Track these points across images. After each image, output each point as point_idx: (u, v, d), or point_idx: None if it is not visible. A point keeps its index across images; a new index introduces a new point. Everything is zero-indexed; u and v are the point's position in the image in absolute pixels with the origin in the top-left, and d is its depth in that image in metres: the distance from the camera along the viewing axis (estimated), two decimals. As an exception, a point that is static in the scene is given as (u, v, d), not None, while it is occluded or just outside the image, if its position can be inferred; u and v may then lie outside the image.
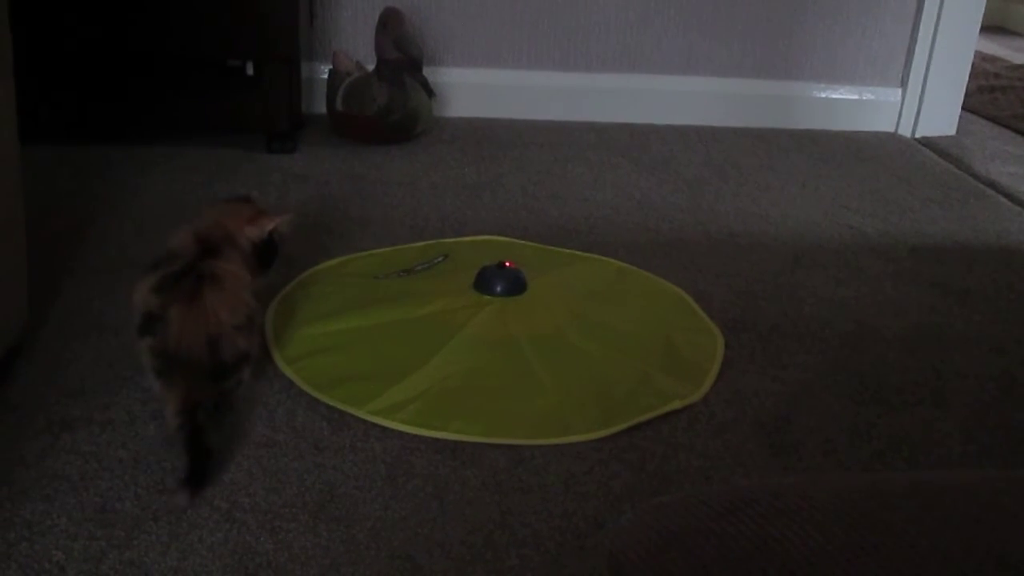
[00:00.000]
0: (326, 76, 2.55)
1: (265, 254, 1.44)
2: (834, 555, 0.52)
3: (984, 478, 0.57)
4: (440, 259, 1.81)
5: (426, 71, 2.55)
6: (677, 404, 1.41)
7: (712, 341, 1.61)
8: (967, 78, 2.92)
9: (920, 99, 2.91)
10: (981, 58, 3.94)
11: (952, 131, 2.95)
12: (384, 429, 1.32)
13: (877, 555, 0.51)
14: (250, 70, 2.36)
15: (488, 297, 1.64)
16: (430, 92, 2.54)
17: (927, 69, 2.88)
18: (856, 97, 2.91)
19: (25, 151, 1.42)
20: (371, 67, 2.50)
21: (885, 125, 2.94)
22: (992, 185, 2.53)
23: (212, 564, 1.08)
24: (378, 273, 1.75)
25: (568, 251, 1.92)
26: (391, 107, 2.43)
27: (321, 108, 2.58)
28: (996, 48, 4.38)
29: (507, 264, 1.67)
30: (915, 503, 0.53)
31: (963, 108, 2.98)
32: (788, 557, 0.53)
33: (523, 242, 1.95)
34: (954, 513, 0.52)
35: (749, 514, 0.56)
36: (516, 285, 1.66)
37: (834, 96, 2.91)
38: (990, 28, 4.75)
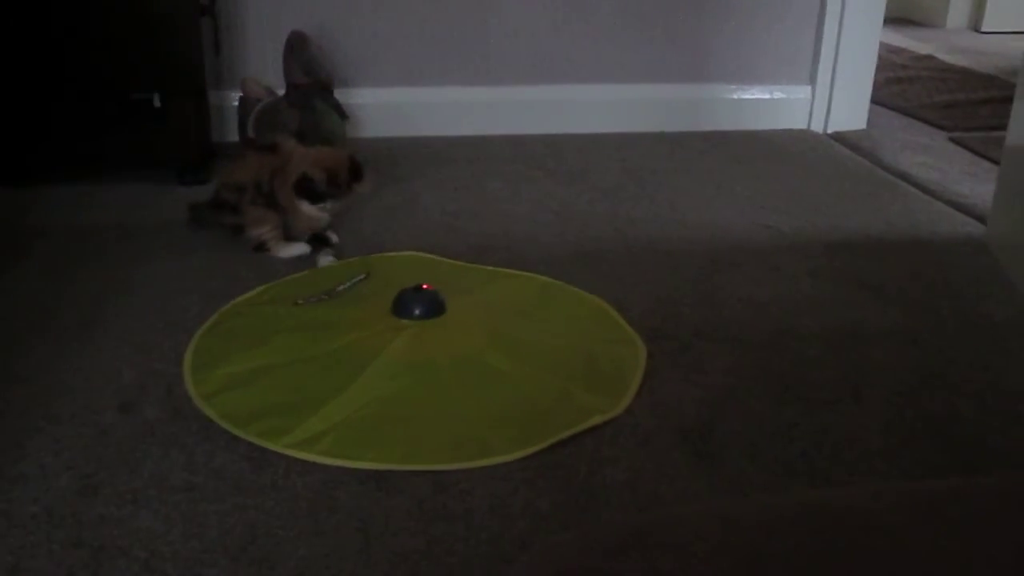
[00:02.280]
0: (236, 104, 2.52)
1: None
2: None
3: (876, 495, 0.57)
4: (361, 277, 1.80)
5: (337, 93, 2.53)
6: (598, 419, 1.41)
7: (634, 351, 1.61)
8: (874, 71, 2.97)
9: (829, 95, 2.96)
10: (887, 50, 4.01)
11: (862, 125, 3.00)
12: (305, 463, 1.30)
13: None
14: (157, 102, 2.32)
15: (406, 321, 1.62)
16: (343, 114, 2.52)
17: (834, 64, 2.93)
18: (767, 96, 2.95)
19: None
20: (281, 92, 2.48)
21: (797, 122, 2.98)
22: (903, 176, 2.57)
23: (132, 617, 1.06)
24: (299, 298, 1.73)
25: (488, 268, 1.91)
26: (303, 132, 2.41)
27: (234, 136, 2.55)
28: (901, 40, 4.46)
29: (424, 287, 1.66)
30: (805, 530, 0.53)
31: (872, 101, 3.03)
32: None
33: (443, 259, 1.94)
34: (843, 538, 0.52)
35: (640, 550, 0.56)
36: (434, 307, 1.65)
37: (745, 96, 2.94)
38: (895, 20, 4.84)
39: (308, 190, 1.92)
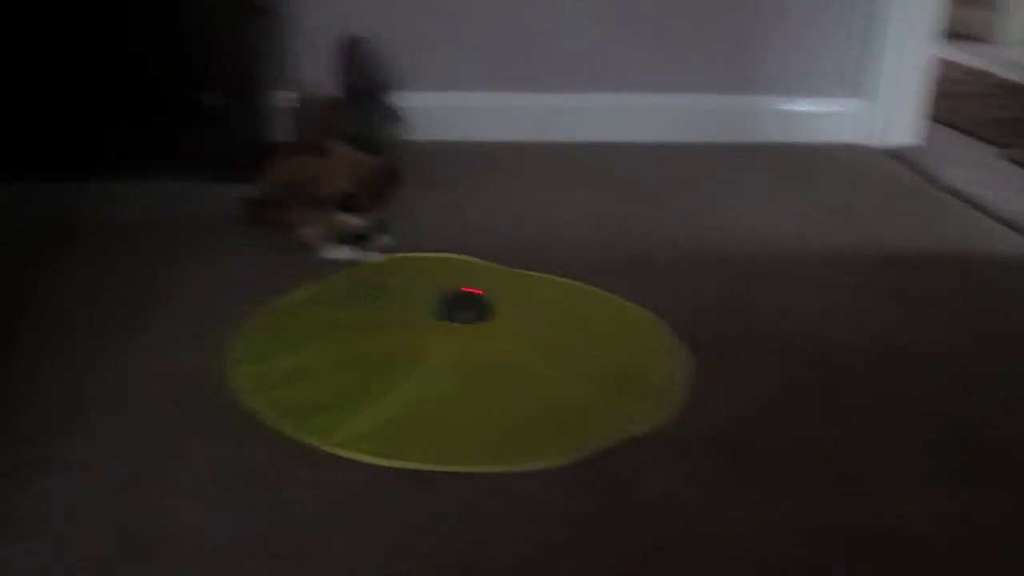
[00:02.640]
0: (291, 105, 2.55)
1: None
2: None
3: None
4: (403, 276, 1.84)
5: (391, 96, 2.55)
6: (640, 428, 1.42)
7: (676, 361, 1.61)
8: (928, 86, 2.94)
9: (882, 109, 2.94)
10: (942, 65, 3.96)
11: (914, 140, 2.97)
12: (347, 461, 1.32)
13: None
14: (218, 102, 2.35)
15: (451, 324, 1.64)
16: (396, 118, 2.55)
17: (888, 78, 2.91)
18: (818, 109, 2.93)
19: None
20: (337, 94, 2.50)
21: (847, 136, 2.96)
22: (955, 193, 2.54)
23: (175, 606, 1.08)
24: (344, 298, 1.76)
25: (531, 273, 1.92)
26: (357, 134, 2.43)
27: (287, 137, 2.57)
28: (956, 54, 4.42)
29: (471, 290, 1.68)
30: None
31: (925, 116, 3.00)
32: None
33: (487, 262, 1.95)
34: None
35: None
36: (479, 311, 1.66)
37: (796, 108, 2.93)
38: (949, 34, 4.78)
39: (352, 205, 1.96)
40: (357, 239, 1.99)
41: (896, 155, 2.86)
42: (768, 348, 1.69)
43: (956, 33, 4.96)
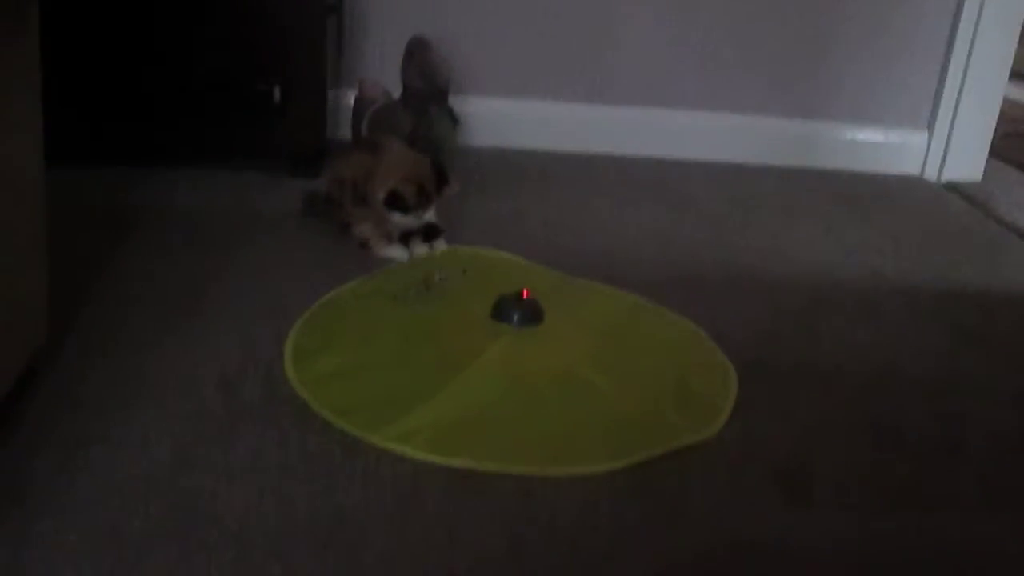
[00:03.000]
0: (352, 103, 2.57)
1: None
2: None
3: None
4: (458, 271, 1.84)
5: (452, 100, 2.56)
6: (689, 439, 1.41)
7: (727, 380, 1.60)
8: (995, 124, 2.91)
9: (946, 143, 2.91)
10: (1008, 104, 3.92)
11: (978, 177, 2.94)
12: (396, 457, 1.32)
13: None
14: (277, 96, 2.38)
15: (505, 326, 1.64)
16: (455, 121, 2.56)
17: (955, 113, 2.88)
18: (882, 139, 2.91)
19: (53, 171, 1.43)
20: (397, 95, 2.52)
21: (910, 168, 2.93)
22: (1017, 232, 2.51)
23: (219, 587, 1.08)
24: (398, 293, 1.76)
25: (583, 281, 1.91)
26: (416, 135, 2.44)
27: (346, 135, 2.60)
28: (1021, 94, 4.35)
29: (525, 294, 1.68)
30: None
31: (989, 154, 2.96)
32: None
33: (539, 266, 1.95)
34: None
35: None
36: (533, 316, 1.66)
37: (859, 137, 2.90)
38: (1015, 74, 4.72)
39: (399, 204, 1.95)
40: (410, 237, 1.99)
41: (956, 189, 2.83)
42: (819, 373, 1.67)
43: (1018, 73, 4.91)
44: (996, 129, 2.93)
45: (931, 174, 2.92)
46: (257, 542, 1.15)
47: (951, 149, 2.90)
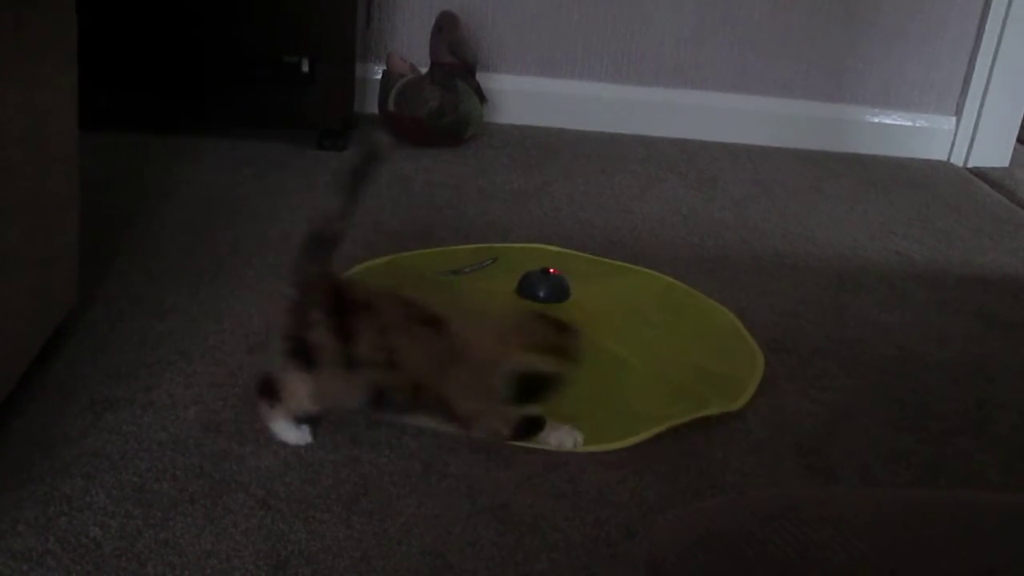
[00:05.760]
0: (379, 77, 2.57)
1: None
2: (877, 565, 0.52)
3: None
4: (489, 262, 1.82)
5: (479, 76, 2.56)
6: (714, 410, 1.41)
7: (752, 359, 1.60)
8: (1023, 110, 2.89)
9: (974, 129, 2.89)
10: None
11: (1005, 163, 2.92)
12: (420, 427, 1.33)
13: (919, 567, 0.51)
14: (305, 67, 2.38)
15: (530, 302, 1.64)
16: (482, 97, 2.56)
17: (983, 99, 2.86)
18: (909, 123, 2.89)
19: (82, 136, 1.44)
20: (425, 70, 2.52)
21: (937, 153, 2.91)
22: (1043, 218, 2.50)
23: (245, 549, 1.09)
24: (426, 272, 1.76)
25: (614, 262, 1.91)
26: (443, 110, 2.45)
27: (373, 108, 2.60)
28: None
29: (551, 271, 1.68)
30: (958, 520, 0.53)
31: (1017, 140, 2.94)
32: (830, 563, 0.53)
33: (572, 252, 1.95)
34: (996, 531, 0.52)
35: (792, 520, 0.56)
36: (559, 291, 1.66)
37: (887, 121, 2.89)
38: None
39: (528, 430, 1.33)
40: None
41: (983, 174, 2.81)
42: (845, 354, 1.67)
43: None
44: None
45: (958, 159, 2.91)
46: (283, 507, 1.16)
47: (979, 135, 2.88)
